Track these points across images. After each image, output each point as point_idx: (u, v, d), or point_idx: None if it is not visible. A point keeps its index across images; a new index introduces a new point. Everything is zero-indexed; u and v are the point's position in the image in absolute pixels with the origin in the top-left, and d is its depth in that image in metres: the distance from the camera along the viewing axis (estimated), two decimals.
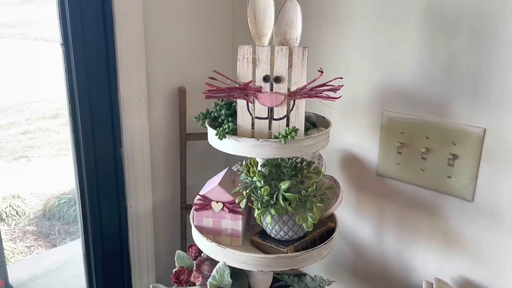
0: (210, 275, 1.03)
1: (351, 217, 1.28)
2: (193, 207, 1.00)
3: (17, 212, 4.03)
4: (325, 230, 1.02)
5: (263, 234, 1.01)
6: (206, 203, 0.99)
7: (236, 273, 1.11)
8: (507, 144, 0.96)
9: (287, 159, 0.98)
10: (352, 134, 1.23)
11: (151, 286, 1.03)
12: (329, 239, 0.98)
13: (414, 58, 1.07)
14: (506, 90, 0.94)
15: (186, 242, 1.39)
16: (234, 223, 0.99)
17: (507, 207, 0.99)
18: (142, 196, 1.31)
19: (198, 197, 1.00)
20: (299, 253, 0.93)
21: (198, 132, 1.36)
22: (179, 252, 1.13)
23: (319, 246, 0.96)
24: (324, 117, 1.05)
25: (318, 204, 0.91)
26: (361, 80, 1.17)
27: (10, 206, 4.08)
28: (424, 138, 1.08)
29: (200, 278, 1.05)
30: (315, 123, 1.05)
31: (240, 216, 0.98)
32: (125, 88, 1.18)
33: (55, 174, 4.79)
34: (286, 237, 0.97)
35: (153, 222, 1.35)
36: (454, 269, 1.10)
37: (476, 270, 1.07)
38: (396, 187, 1.17)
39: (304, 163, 1.00)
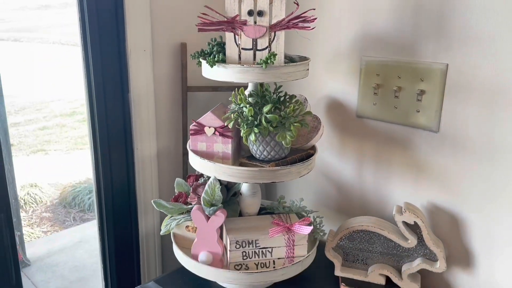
0: None
1: (335, 159, 1.41)
2: (189, 132, 1.15)
3: (35, 200, 4.23)
4: (305, 155, 1.15)
5: (250, 157, 1.15)
6: (200, 129, 1.13)
7: (228, 200, 1.25)
8: (466, 77, 1.09)
9: (271, 92, 1.11)
10: (335, 81, 1.36)
11: (152, 201, 1.17)
12: (307, 160, 1.12)
13: (386, 4, 1.20)
14: (466, 29, 1.07)
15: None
16: (224, 147, 1.13)
17: (468, 135, 1.11)
18: (148, 140, 1.45)
19: (193, 123, 1.14)
20: (279, 167, 1.07)
21: (198, 85, 1.50)
22: (178, 179, 1.28)
23: (298, 164, 1.10)
24: (306, 57, 1.18)
25: (295, 124, 1.04)
26: (342, 30, 1.31)
27: (28, 194, 4.28)
28: (397, 77, 1.21)
29: (196, 199, 1.19)
30: None
31: (230, 140, 1.12)
32: (132, 39, 1.34)
33: (71, 166, 5.00)
34: (269, 156, 1.10)
35: (157, 165, 1.50)
36: (423, 196, 1.23)
37: (442, 195, 1.19)
38: (373, 126, 1.30)
39: (287, 96, 1.14)
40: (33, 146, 5.78)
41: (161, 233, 1.18)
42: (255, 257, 1.14)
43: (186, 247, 1.21)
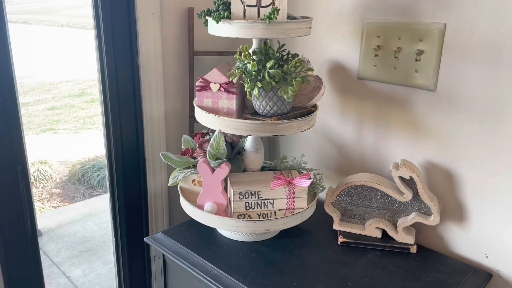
0: None
1: (336, 121, 1.46)
2: (195, 89, 1.20)
3: (44, 177, 4.32)
4: (306, 111, 1.20)
5: (254, 113, 1.20)
6: (206, 85, 1.18)
7: (233, 157, 1.31)
8: (463, 35, 1.12)
9: (275, 50, 1.16)
10: (337, 44, 1.40)
11: (160, 154, 1.23)
12: (308, 115, 1.17)
13: None
14: None
15: None
16: (229, 103, 1.18)
17: (464, 93, 1.15)
18: (156, 102, 1.51)
19: (199, 79, 1.20)
20: (280, 121, 1.12)
21: (205, 50, 1.55)
22: (185, 136, 1.34)
23: (300, 118, 1.15)
24: (308, 17, 1.22)
25: (297, 79, 1.09)
26: None
27: (38, 170, 4.37)
28: (396, 39, 1.25)
29: (202, 154, 1.25)
30: None
31: (234, 96, 1.18)
32: (141, 1, 1.38)
33: (80, 144, 5.10)
34: (272, 111, 1.16)
35: (165, 126, 1.56)
36: (420, 154, 1.27)
37: (438, 153, 1.23)
38: (373, 87, 1.34)
39: (290, 55, 1.18)
40: (43, 125, 5.89)
41: (169, 184, 1.25)
42: (257, 207, 1.20)
43: (192, 200, 1.27)
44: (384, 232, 1.27)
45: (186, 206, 1.24)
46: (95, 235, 3.30)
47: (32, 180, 4.24)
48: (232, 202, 1.19)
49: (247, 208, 1.19)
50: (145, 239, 1.31)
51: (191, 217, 1.25)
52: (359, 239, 1.27)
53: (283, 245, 1.26)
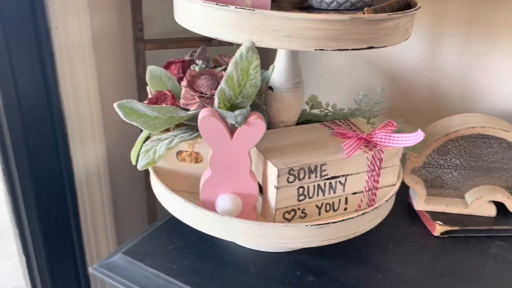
0: (213, 93, 0.61)
1: None
2: None
3: None
4: (401, 2, 0.62)
5: (305, 8, 0.60)
6: None
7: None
8: None
9: None
10: None
11: (115, 104, 0.58)
12: (411, 10, 0.59)
13: None
14: None
15: (146, 90, 0.94)
16: None
17: None
18: (74, 15, 0.82)
19: None
20: (384, 15, 0.53)
21: None
22: (152, 68, 0.68)
23: (406, 12, 0.56)
24: None
25: None
26: None
27: None
28: None
29: (197, 100, 0.62)
30: None
31: None
32: None
33: None
34: (347, 3, 0.56)
35: (94, 59, 0.87)
36: None
37: None
38: None
39: None
40: None
41: (139, 167, 0.61)
42: (318, 195, 0.63)
43: (180, 190, 0.66)
44: (499, 209, 0.79)
45: (175, 203, 0.62)
46: None
47: None
48: (274, 191, 0.60)
49: (301, 198, 0.62)
50: (90, 269, 0.69)
51: (170, 216, 0.65)
52: (465, 223, 0.77)
53: (348, 252, 0.71)
